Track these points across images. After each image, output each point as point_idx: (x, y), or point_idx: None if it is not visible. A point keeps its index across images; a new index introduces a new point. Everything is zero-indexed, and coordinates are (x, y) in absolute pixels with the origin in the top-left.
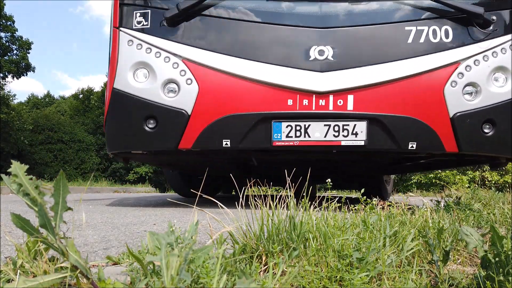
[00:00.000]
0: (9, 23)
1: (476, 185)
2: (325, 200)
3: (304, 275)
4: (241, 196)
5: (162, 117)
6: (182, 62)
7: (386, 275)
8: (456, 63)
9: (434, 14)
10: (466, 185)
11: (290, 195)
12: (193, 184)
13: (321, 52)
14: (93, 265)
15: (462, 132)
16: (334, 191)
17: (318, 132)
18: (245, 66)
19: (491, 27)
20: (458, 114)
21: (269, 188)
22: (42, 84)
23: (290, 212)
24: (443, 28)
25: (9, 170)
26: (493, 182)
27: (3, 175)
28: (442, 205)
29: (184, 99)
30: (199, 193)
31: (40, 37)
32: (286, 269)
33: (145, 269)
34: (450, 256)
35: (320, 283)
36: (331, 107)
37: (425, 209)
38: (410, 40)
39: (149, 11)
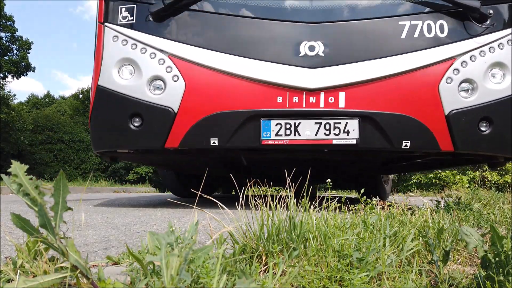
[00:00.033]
0: (9, 23)
1: (476, 185)
2: (325, 200)
3: (304, 275)
4: (241, 196)
5: (148, 115)
6: (168, 58)
7: (386, 275)
8: (452, 59)
9: (428, 8)
10: (466, 185)
11: (290, 195)
12: (188, 184)
13: (311, 48)
14: (93, 265)
15: (458, 131)
16: (334, 191)
17: (308, 131)
18: (233, 63)
19: (488, 22)
20: (453, 111)
21: (269, 188)
22: (42, 84)
23: (290, 212)
24: (438, 22)
25: (9, 170)
26: (493, 182)
27: (3, 175)
28: (442, 205)
29: (170, 96)
30: (199, 193)
31: (40, 37)
32: (286, 269)
33: (145, 269)
34: (450, 256)
35: (320, 283)
36: (322, 105)
37: (425, 209)
38: (404, 35)
39: (135, 6)
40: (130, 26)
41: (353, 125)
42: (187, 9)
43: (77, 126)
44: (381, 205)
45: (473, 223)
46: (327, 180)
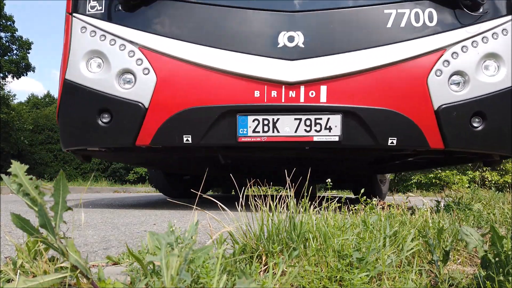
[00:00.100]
0: (9, 23)
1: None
2: (325, 200)
3: (304, 275)
4: (241, 196)
5: (117, 111)
6: (138, 50)
7: (386, 275)
8: (442, 50)
9: None
10: (466, 185)
11: (290, 195)
12: (178, 184)
13: (290, 39)
14: (93, 265)
15: (448, 127)
16: (334, 191)
17: (288, 127)
18: (207, 54)
19: (480, 10)
20: (443, 106)
21: (269, 188)
22: (42, 84)
23: (290, 212)
24: (427, 11)
25: (9, 170)
26: (493, 182)
27: (3, 175)
28: (442, 205)
29: (141, 90)
30: (199, 193)
31: (40, 37)
32: (286, 269)
33: (145, 269)
34: (450, 256)
35: (320, 283)
36: (302, 99)
37: (425, 209)
38: (389, 25)
39: None
40: (99, 16)
41: (336, 121)
42: None
43: None
44: (381, 205)
45: (473, 223)
46: (327, 180)
